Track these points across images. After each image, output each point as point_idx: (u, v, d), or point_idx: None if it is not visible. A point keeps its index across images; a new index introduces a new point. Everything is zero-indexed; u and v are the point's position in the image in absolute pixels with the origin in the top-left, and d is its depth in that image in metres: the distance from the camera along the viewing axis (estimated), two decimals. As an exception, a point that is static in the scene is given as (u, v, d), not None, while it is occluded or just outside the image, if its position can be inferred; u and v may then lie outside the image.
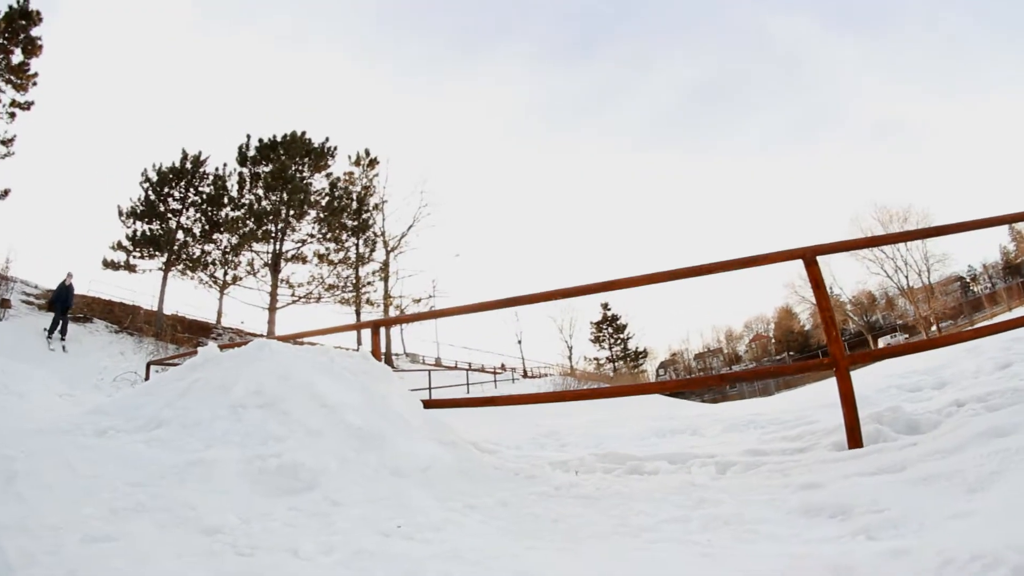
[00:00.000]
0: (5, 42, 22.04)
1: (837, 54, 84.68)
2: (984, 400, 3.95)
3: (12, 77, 22.32)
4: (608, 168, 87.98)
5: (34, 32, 22.63)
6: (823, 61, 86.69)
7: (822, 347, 60.37)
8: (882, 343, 55.47)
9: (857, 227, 54.46)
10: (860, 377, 10.12)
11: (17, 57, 22.36)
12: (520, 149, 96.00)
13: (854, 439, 3.27)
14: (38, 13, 22.58)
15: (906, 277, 55.10)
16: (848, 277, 77.55)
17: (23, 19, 22.16)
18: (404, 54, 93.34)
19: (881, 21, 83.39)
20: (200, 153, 28.91)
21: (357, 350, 4.69)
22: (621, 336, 61.22)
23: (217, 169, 29.49)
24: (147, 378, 11.54)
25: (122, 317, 24.02)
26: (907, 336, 57.74)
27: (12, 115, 22.59)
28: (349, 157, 34.25)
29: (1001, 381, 5.50)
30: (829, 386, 3.90)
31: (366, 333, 5.02)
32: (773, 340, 71.59)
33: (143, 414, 3.58)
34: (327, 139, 32.20)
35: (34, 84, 22.95)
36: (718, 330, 73.00)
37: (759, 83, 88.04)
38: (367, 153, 34.64)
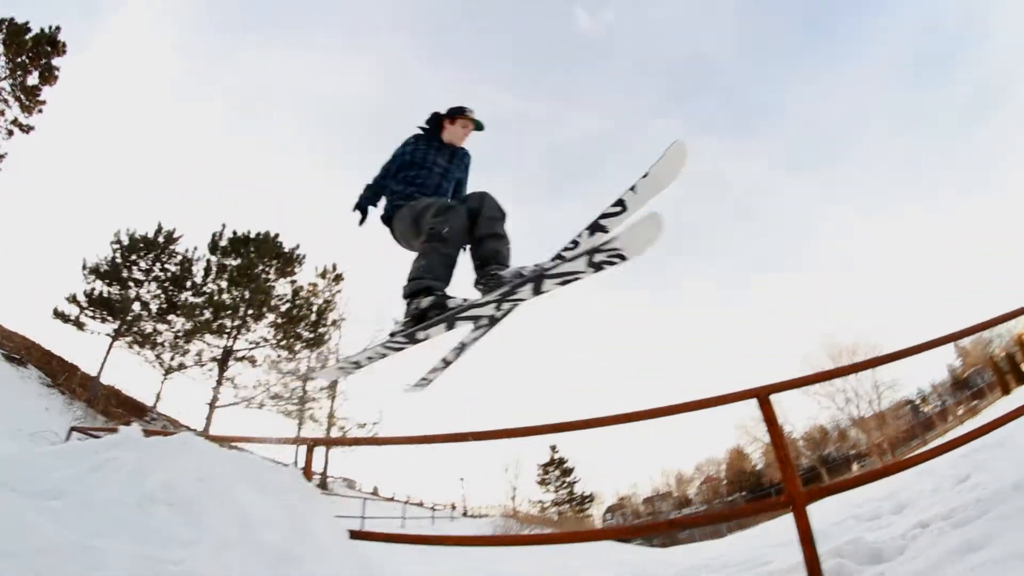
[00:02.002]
0: (27, 61, 22.76)
1: (791, 191, 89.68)
2: (949, 517, 3.86)
3: (23, 96, 23.00)
4: (577, 303, 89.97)
5: (55, 61, 23.62)
6: (777, 200, 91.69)
7: (776, 485, 60.30)
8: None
9: (809, 364, 56.40)
10: (814, 512, 9.95)
11: (33, 79, 23.17)
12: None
13: None
14: (64, 44, 23.70)
15: (857, 407, 56.80)
16: (799, 414, 78.73)
17: (49, 45, 23.17)
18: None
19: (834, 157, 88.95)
20: (174, 231, 28.60)
21: (288, 466, 4.35)
22: (568, 479, 59.77)
23: (187, 250, 29.07)
24: (66, 441, 10.89)
25: (58, 372, 23.12)
26: (861, 465, 58.63)
27: (10, 132, 23.06)
28: (316, 268, 34.01)
29: (962, 494, 5.49)
30: (782, 524, 3.79)
31: (305, 450, 4.57)
32: (725, 481, 71.13)
33: (46, 479, 3.10)
34: (297, 246, 32.17)
35: (39, 111, 23.59)
36: (667, 474, 72.00)
37: (717, 226, 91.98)
38: (334, 268, 34.44)
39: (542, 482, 58.37)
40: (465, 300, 3.15)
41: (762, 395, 3.36)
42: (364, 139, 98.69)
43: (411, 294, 3.26)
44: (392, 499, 34.30)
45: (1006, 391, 54.89)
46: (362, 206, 4.09)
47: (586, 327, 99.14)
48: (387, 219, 3.99)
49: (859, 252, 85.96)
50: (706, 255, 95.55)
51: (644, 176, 3.22)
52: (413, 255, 3.48)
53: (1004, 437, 6.03)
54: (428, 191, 3.87)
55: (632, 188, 3.27)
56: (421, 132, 4.14)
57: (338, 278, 34.38)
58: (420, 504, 35.29)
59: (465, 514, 37.65)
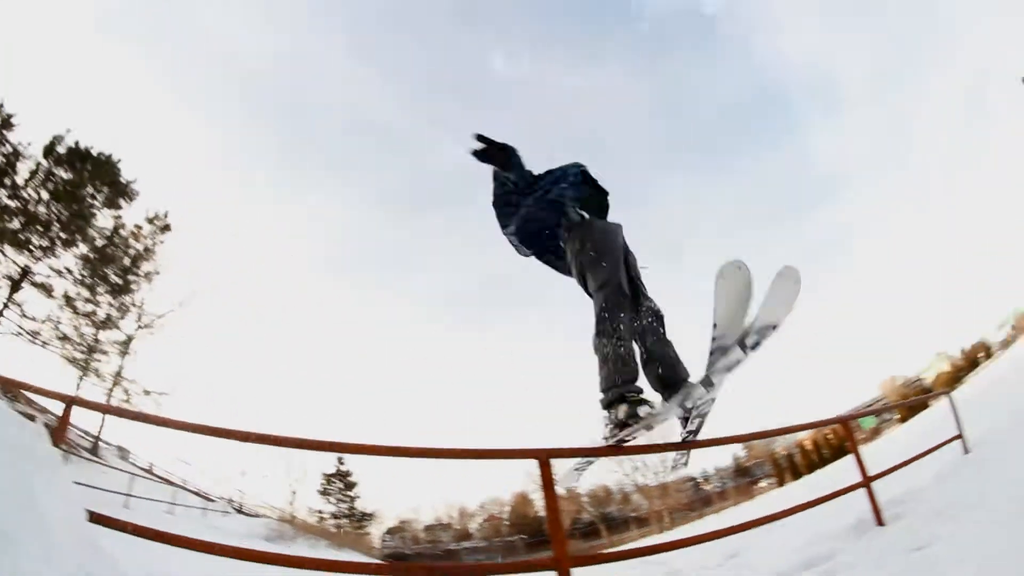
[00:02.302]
0: None
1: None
2: None
3: None
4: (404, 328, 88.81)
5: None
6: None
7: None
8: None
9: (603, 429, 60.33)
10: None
11: None
12: (332, 283, 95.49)
13: None
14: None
15: (643, 475, 60.86)
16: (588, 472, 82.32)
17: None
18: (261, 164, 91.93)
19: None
20: (12, 116, 24.04)
21: (35, 422, 3.54)
22: (350, 494, 57.60)
23: (19, 144, 24.34)
24: None
25: None
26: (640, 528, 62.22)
27: None
28: (147, 212, 29.87)
29: (728, 571, 5.86)
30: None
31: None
32: (507, 523, 72.63)
33: None
34: (135, 180, 28.71)
35: None
36: (452, 506, 72.01)
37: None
38: (165, 216, 30.34)
39: (324, 492, 56.12)
40: (657, 408, 3.07)
41: (542, 457, 3.31)
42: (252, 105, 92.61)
43: (608, 406, 3.13)
44: (167, 480, 30.60)
45: (781, 483, 62.90)
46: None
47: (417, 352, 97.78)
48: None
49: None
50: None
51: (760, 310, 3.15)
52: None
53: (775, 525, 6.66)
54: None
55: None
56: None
57: (166, 228, 30.39)
58: (197, 492, 31.98)
59: (241, 510, 34.72)
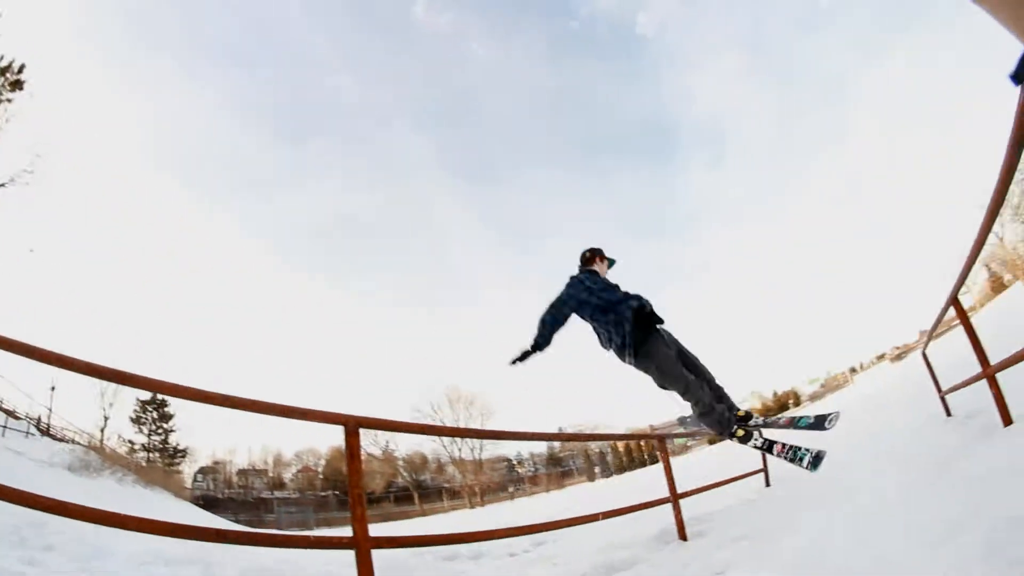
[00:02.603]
0: None
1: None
2: None
3: None
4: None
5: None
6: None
7: (369, 494, 62.60)
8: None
9: (427, 400, 61.32)
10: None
11: None
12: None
13: None
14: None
15: (459, 449, 61.76)
16: (406, 436, 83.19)
17: None
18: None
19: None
20: None
21: None
22: (165, 426, 53.17)
23: None
24: None
25: None
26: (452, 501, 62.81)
27: None
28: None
29: (535, 564, 5.89)
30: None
31: None
32: (321, 476, 71.44)
33: None
34: None
35: None
36: (268, 451, 68.65)
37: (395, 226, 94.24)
38: (20, 70, 24.90)
39: (137, 420, 51.79)
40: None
41: (350, 425, 3.07)
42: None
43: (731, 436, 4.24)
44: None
45: (591, 479, 66.59)
46: (540, 347, 4.16)
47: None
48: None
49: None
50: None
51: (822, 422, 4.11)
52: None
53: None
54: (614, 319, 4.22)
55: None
56: (586, 270, 4.57)
57: (17, 84, 25.03)
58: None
59: (47, 432, 31.20)
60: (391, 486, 66.10)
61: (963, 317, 3.85)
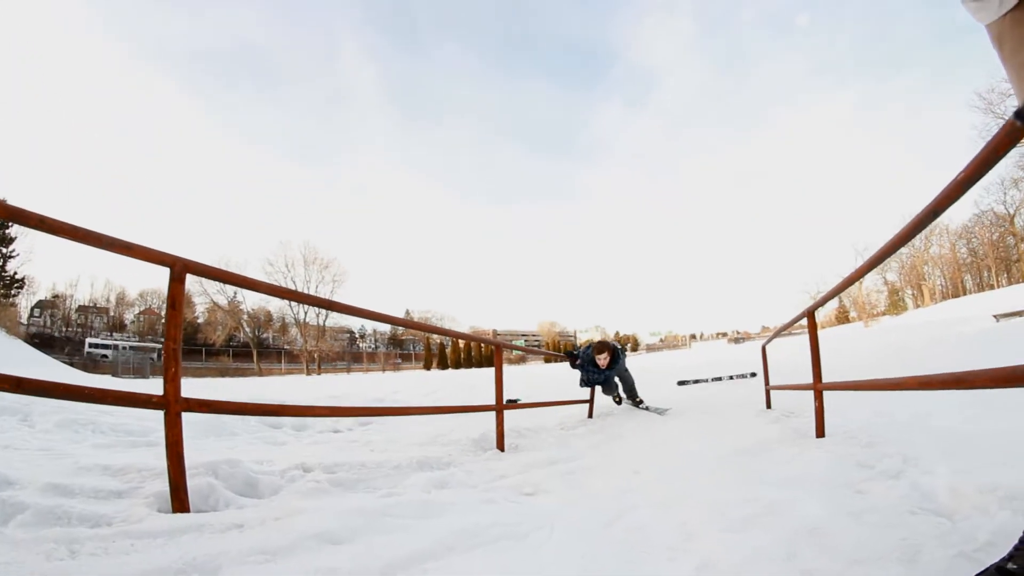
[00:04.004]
0: None
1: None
2: (332, 471, 3.83)
3: None
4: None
5: None
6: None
7: (208, 346, 60.81)
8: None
9: (283, 255, 59.70)
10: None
11: None
12: None
13: (179, 500, 2.66)
14: None
15: (305, 313, 60.59)
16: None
17: None
18: None
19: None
20: None
21: None
22: (4, 251, 46.76)
23: None
24: None
25: None
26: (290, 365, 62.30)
27: None
28: None
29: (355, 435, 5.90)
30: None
31: None
32: (163, 320, 67.73)
33: None
34: None
35: None
36: (111, 287, 64.74)
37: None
38: None
39: None
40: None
41: (177, 267, 2.73)
42: None
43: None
44: None
45: (427, 367, 67.81)
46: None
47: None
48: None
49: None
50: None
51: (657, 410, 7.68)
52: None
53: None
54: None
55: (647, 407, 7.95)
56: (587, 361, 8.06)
57: None
58: None
59: None
60: (232, 340, 64.20)
61: (813, 331, 4.09)
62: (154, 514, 2.52)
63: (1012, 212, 54.46)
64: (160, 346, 63.07)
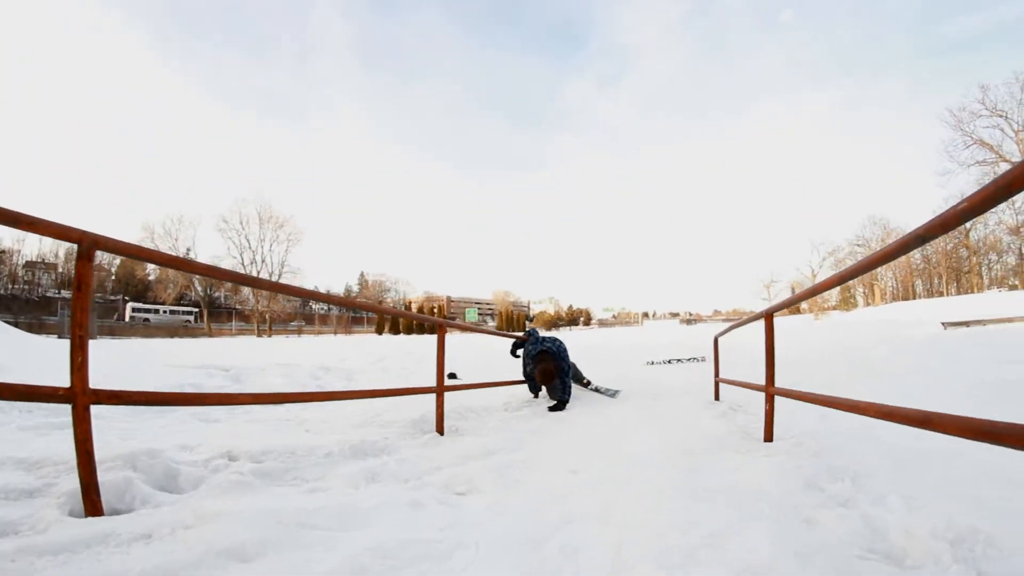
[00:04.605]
0: None
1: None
2: (259, 459, 3.60)
3: None
4: None
5: None
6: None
7: (159, 304, 59.23)
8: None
9: (238, 212, 59.70)
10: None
11: None
12: None
13: (91, 502, 2.38)
14: None
15: (258, 271, 59.15)
16: (213, 245, 79.31)
17: None
18: None
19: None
20: None
21: None
22: None
23: None
24: None
25: None
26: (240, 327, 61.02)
27: None
28: None
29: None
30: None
31: None
32: (114, 278, 66.28)
33: None
34: None
35: None
36: (60, 242, 61.02)
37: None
38: None
39: None
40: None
41: (84, 244, 2.38)
42: None
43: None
44: None
45: (380, 332, 67.12)
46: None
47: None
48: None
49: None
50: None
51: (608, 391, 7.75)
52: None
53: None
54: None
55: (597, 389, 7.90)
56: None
57: None
58: None
59: None
60: (182, 298, 62.46)
61: (770, 333, 3.95)
62: (64, 519, 2.29)
63: (968, 227, 56.49)
64: (194, 311, 61.71)
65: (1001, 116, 47.75)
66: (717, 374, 7.05)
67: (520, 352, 7.77)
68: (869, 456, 3.23)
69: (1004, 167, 46.96)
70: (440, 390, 5.11)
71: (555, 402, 6.77)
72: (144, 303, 61.06)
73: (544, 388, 7.37)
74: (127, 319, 56.35)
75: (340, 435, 4.62)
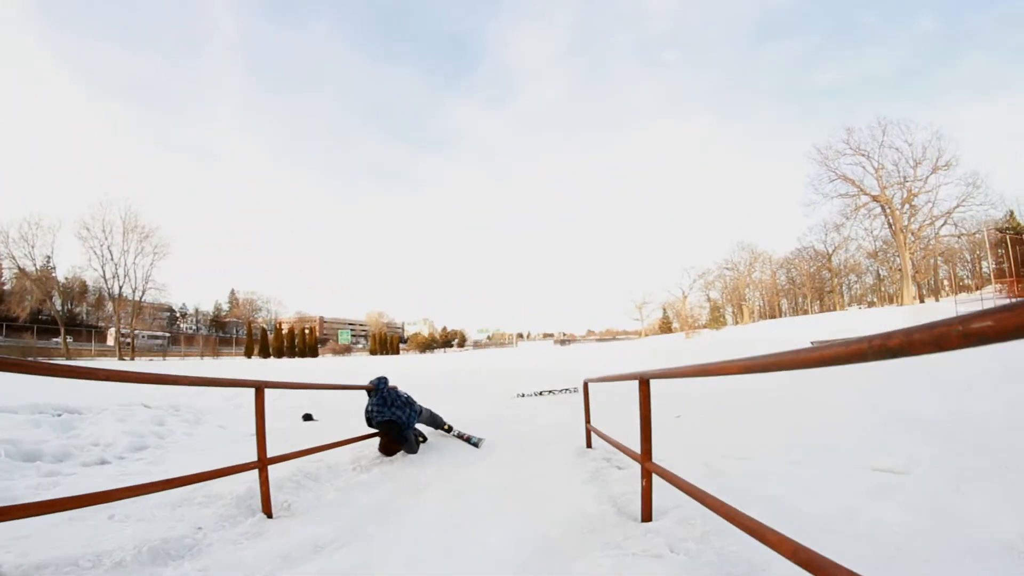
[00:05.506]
0: None
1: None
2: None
3: None
4: None
5: None
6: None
7: (11, 320, 53.43)
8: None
9: (100, 219, 54.87)
10: None
11: None
12: None
13: None
14: None
15: (121, 285, 55.06)
16: (72, 255, 74.25)
17: None
18: None
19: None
20: None
21: None
22: None
23: None
24: None
25: None
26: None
27: None
28: None
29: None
30: None
31: None
32: None
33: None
34: None
35: None
36: None
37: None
38: None
39: None
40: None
41: None
42: None
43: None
44: None
45: (248, 355, 64.24)
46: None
47: None
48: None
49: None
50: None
51: (470, 439, 7.20)
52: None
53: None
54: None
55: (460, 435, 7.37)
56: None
57: None
58: None
59: None
60: (39, 313, 56.36)
61: (645, 399, 3.39)
62: None
63: (831, 251, 62.16)
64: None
65: (863, 155, 53.51)
66: (588, 420, 6.54)
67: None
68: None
69: (864, 199, 53.17)
70: (263, 465, 4.19)
71: (441, 428, 7.50)
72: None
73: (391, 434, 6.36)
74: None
75: (145, 524, 3.70)
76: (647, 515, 3.44)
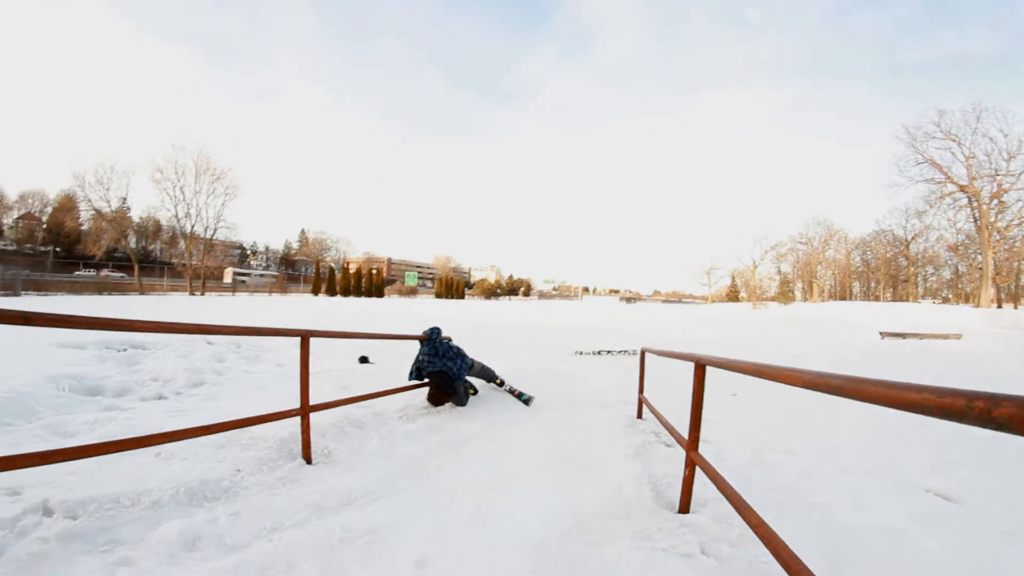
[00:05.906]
0: None
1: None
2: (76, 514, 2.90)
3: None
4: None
5: None
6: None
7: (87, 258, 56.01)
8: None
9: (175, 155, 56.98)
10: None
11: None
12: None
13: None
14: None
15: (192, 225, 56.80)
16: (146, 196, 76.59)
17: None
18: None
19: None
20: None
21: None
22: None
23: None
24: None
25: None
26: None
27: None
28: None
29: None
30: None
31: None
32: (44, 228, 62.60)
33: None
34: None
35: None
36: None
37: None
38: None
39: None
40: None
41: None
42: None
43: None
44: None
45: (315, 292, 65.66)
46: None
47: None
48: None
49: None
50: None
51: (521, 396, 7.02)
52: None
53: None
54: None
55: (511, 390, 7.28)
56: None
57: None
58: None
59: None
60: (115, 252, 58.94)
61: (699, 385, 3.19)
62: None
63: (910, 238, 58.63)
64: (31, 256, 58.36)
65: (954, 140, 49.45)
66: (642, 390, 6.37)
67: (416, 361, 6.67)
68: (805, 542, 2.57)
69: (951, 188, 49.42)
70: (305, 411, 4.20)
71: (493, 382, 7.43)
72: (73, 257, 57.61)
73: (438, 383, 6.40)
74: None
75: (188, 464, 3.79)
76: (685, 506, 3.29)
